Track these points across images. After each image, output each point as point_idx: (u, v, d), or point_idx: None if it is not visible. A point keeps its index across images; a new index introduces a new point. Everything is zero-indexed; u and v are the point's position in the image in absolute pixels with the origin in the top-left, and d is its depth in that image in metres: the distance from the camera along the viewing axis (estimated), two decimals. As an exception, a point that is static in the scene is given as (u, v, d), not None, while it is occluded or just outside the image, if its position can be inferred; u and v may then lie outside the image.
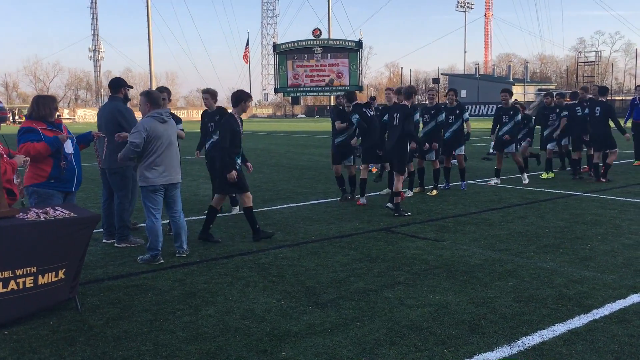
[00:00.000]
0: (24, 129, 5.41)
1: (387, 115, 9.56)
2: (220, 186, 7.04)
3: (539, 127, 13.19)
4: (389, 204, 8.68)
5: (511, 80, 70.79)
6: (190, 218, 8.14)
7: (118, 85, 6.95)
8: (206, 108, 8.57)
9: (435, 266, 5.84)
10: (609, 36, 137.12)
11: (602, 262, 5.89)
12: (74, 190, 5.75)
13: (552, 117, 12.67)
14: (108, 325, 4.35)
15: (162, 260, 6.11)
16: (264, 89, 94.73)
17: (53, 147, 5.39)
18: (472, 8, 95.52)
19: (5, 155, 4.89)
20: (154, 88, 8.13)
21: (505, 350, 3.85)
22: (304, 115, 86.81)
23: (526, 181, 11.61)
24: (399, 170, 8.68)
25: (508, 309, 4.59)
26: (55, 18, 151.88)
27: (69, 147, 5.60)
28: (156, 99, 6.14)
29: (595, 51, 78.33)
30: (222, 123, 7.01)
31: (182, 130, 7.77)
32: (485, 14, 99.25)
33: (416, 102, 9.75)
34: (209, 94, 8.41)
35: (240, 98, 6.97)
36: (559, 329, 4.19)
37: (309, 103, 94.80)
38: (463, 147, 10.99)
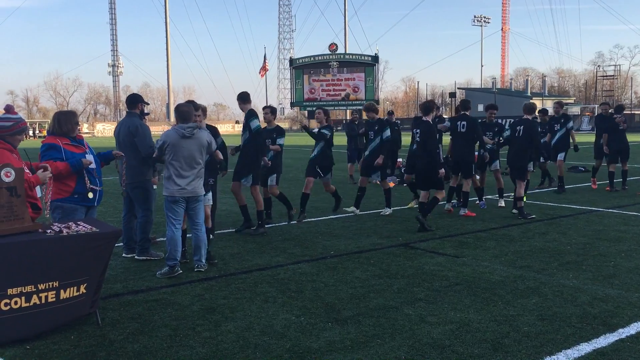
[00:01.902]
0: (47, 146, 5.47)
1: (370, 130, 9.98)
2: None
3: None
4: (514, 210, 9.57)
5: (529, 94, 70.45)
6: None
7: (135, 101, 7.04)
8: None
9: (456, 283, 5.77)
10: (627, 50, 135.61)
11: (626, 280, 5.79)
12: (95, 204, 5.80)
13: (557, 127, 12.81)
14: (128, 340, 4.35)
15: (181, 271, 6.13)
16: (280, 103, 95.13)
17: (74, 169, 5.43)
18: (488, 22, 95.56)
19: (27, 170, 4.95)
20: (171, 103, 8.22)
21: (530, 370, 3.78)
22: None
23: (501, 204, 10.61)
24: (520, 177, 9.49)
25: (531, 328, 4.52)
26: (75, 34, 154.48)
27: (92, 162, 5.65)
28: (182, 113, 6.22)
29: (614, 65, 77.84)
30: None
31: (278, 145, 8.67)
32: (502, 28, 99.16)
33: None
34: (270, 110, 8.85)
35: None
36: (585, 348, 4.11)
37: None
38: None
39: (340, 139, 22.89)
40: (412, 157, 10.24)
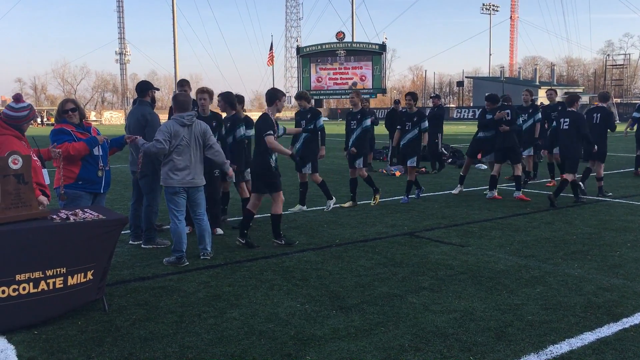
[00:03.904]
0: (57, 130, 5.54)
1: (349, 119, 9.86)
2: (255, 186, 6.88)
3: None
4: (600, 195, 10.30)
5: (537, 83, 69.99)
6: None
7: (146, 88, 7.04)
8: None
9: (461, 272, 5.79)
10: (638, 39, 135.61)
11: (631, 270, 5.78)
12: (102, 191, 5.83)
13: (554, 115, 11.42)
14: (135, 326, 4.40)
15: (187, 263, 6.16)
16: (287, 92, 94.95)
17: (91, 146, 5.56)
18: (497, 10, 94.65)
19: (36, 157, 4.99)
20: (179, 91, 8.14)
21: (533, 359, 3.80)
22: (327, 118, 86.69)
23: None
24: (570, 169, 9.59)
25: (535, 317, 4.53)
26: (83, 22, 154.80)
27: (97, 149, 5.69)
28: (180, 103, 6.18)
29: (623, 54, 77.12)
30: (257, 124, 6.83)
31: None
32: (511, 17, 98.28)
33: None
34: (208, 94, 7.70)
35: (275, 97, 6.82)
36: (588, 337, 4.12)
37: (331, 106, 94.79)
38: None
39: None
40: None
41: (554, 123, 10.27)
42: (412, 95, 10.35)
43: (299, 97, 9.40)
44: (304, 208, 9.38)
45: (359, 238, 7.33)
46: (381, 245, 6.92)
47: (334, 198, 9.41)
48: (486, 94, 11.19)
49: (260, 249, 6.77)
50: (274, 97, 6.81)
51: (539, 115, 11.81)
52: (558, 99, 13.48)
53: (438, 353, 3.89)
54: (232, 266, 6.08)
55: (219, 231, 7.58)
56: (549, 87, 12.34)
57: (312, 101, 9.58)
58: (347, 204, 9.69)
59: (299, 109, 9.51)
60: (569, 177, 9.57)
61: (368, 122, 9.69)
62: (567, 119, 9.66)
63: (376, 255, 6.47)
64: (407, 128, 10.16)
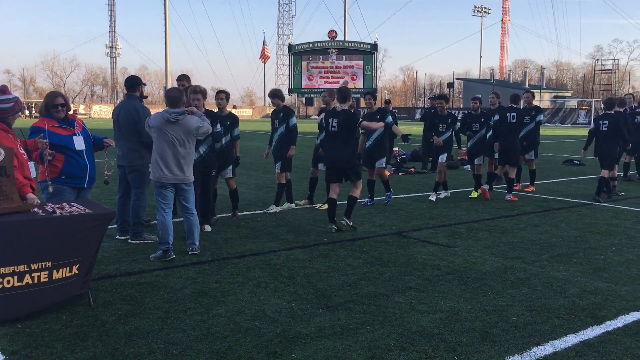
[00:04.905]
0: (33, 129, 5.49)
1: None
2: (336, 176, 7.81)
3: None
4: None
5: (527, 86, 70.33)
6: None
7: (135, 83, 7.02)
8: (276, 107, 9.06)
9: (447, 272, 5.81)
10: (627, 44, 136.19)
11: (616, 273, 5.84)
12: (86, 186, 5.80)
13: (527, 119, 11.41)
14: (120, 322, 4.38)
15: (174, 256, 6.15)
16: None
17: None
18: (489, 13, 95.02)
19: (23, 150, 4.94)
20: (169, 86, 8.13)
21: (517, 360, 3.83)
22: (317, 117, 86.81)
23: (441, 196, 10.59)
24: (609, 166, 10.38)
25: (520, 318, 4.56)
26: (73, 14, 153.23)
27: (80, 143, 5.64)
28: (170, 98, 6.17)
29: (612, 59, 77.80)
30: (343, 119, 7.64)
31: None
32: (502, 19, 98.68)
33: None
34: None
35: (349, 94, 7.90)
36: (572, 339, 4.16)
37: (322, 104, 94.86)
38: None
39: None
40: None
41: (593, 124, 11.01)
42: (371, 94, 9.86)
43: (273, 95, 9.19)
44: (293, 205, 9.37)
45: (347, 237, 7.34)
46: (369, 245, 6.94)
47: (279, 207, 9.12)
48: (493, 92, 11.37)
49: (248, 246, 6.76)
50: (348, 95, 7.88)
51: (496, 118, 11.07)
52: (547, 103, 13.51)
53: (423, 353, 3.90)
54: (220, 263, 6.06)
55: (207, 228, 7.56)
56: (526, 90, 11.79)
57: (304, 99, 9.42)
58: (302, 202, 9.71)
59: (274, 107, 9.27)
60: (604, 173, 10.36)
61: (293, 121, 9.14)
62: (606, 121, 10.39)
63: (363, 254, 6.49)
64: None
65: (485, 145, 10.63)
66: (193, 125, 6.19)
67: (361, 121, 7.77)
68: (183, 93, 6.40)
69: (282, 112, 9.05)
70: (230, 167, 8.16)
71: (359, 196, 7.84)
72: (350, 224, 7.76)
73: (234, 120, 8.23)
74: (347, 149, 7.69)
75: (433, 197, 10.25)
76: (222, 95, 8.17)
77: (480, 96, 11.40)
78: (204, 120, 6.33)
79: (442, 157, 10.33)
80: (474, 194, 10.68)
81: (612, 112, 10.51)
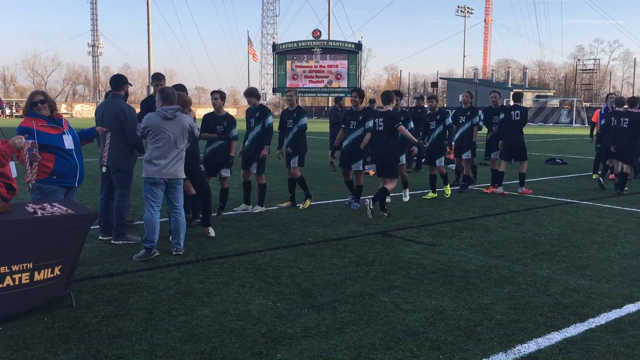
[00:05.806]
0: (20, 130, 5.33)
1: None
2: (384, 172, 8.73)
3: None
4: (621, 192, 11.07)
5: (509, 85, 70.93)
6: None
7: (120, 82, 6.95)
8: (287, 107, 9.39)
9: (432, 271, 5.83)
10: (607, 44, 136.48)
11: (598, 271, 5.90)
12: (76, 185, 5.75)
13: (495, 119, 11.31)
14: (103, 323, 4.33)
15: (158, 254, 6.10)
16: (262, 89, 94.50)
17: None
18: (472, 13, 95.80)
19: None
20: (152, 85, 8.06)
21: (501, 358, 3.85)
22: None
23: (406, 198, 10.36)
24: (630, 161, 11.14)
25: (504, 316, 4.59)
26: (55, 13, 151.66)
27: (69, 142, 5.57)
28: (167, 95, 6.19)
29: (593, 59, 78.68)
30: (389, 119, 8.66)
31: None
32: (485, 19, 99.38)
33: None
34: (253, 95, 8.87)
35: (392, 97, 8.99)
36: (555, 337, 4.19)
37: (307, 104, 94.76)
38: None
39: (321, 126, 22.80)
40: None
41: (613, 122, 11.16)
42: (358, 92, 9.27)
43: (249, 94, 8.93)
44: (250, 208, 9.04)
45: (332, 236, 7.34)
46: (354, 244, 6.94)
47: (264, 207, 9.08)
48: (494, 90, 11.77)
49: (232, 246, 6.73)
50: (392, 97, 8.92)
51: (477, 118, 11.23)
52: (529, 102, 13.70)
53: (408, 351, 3.91)
54: (204, 263, 6.02)
55: (211, 232, 7.23)
56: (493, 90, 11.58)
57: (293, 97, 9.20)
58: (284, 204, 9.49)
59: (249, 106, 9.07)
60: (626, 168, 11.12)
61: (304, 120, 9.22)
62: (627, 119, 10.91)
63: (349, 253, 6.49)
64: (351, 127, 9.14)
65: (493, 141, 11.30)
66: (188, 122, 6.27)
67: (400, 124, 8.66)
68: (175, 91, 6.40)
69: (259, 112, 8.85)
70: (229, 168, 8.31)
71: (390, 190, 8.75)
72: (387, 214, 8.69)
73: (231, 121, 8.26)
74: (387, 147, 8.66)
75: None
76: (217, 95, 8.21)
77: (499, 90, 12.04)
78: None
79: (356, 166, 9.15)
80: (447, 191, 10.76)
81: (634, 111, 10.91)
